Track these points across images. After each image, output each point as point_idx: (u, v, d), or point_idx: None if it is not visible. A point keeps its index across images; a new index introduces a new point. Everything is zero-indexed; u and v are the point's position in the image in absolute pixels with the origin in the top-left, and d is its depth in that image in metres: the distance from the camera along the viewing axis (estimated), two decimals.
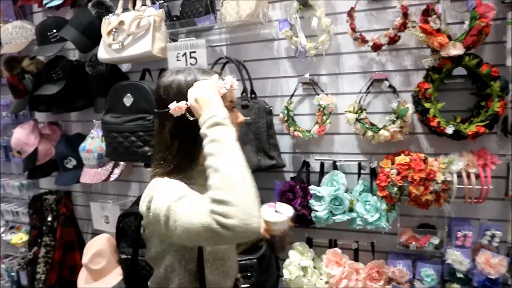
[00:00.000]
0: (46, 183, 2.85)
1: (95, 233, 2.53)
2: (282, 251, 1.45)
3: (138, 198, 2.10)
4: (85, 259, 2.28)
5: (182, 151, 1.05)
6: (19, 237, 2.84)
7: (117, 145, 1.96)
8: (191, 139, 1.03)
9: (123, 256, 2.09)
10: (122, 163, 2.33)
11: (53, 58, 2.35)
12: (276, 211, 1.19)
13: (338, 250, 1.88)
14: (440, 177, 1.63)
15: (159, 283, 1.11)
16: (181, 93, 1.03)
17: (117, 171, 2.34)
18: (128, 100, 1.95)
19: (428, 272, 1.71)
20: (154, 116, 1.12)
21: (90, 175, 2.29)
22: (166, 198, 0.94)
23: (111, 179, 2.32)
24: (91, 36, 2.18)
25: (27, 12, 2.71)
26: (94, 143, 2.28)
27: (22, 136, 2.50)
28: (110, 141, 2.03)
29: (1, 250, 3.08)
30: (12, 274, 2.93)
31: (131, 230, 2.07)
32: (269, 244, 1.48)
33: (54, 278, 2.50)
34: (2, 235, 2.96)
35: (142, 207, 1.00)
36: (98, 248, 2.28)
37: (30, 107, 2.54)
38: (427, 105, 1.66)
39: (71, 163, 2.42)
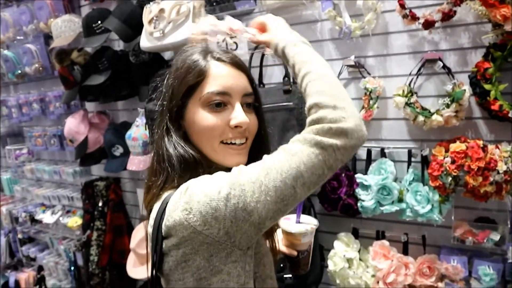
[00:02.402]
0: (97, 170, 2.97)
1: (143, 218, 2.60)
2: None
3: None
4: (132, 244, 2.36)
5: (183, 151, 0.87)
6: (75, 221, 3.00)
7: None
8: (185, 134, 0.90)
9: None
10: None
11: (99, 48, 2.41)
12: (299, 222, 1.07)
13: (386, 242, 1.78)
14: (502, 167, 1.47)
15: None
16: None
17: None
18: None
19: (487, 270, 1.57)
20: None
21: (136, 163, 2.35)
22: (221, 183, 0.74)
23: None
24: (133, 25, 2.20)
25: (75, 6, 2.80)
26: (139, 131, 2.33)
27: (73, 125, 2.61)
28: (153, 129, 2.06)
29: (60, 232, 3.29)
30: (69, 254, 3.11)
31: None
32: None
33: (105, 260, 2.61)
34: (60, 218, 3.14)
35: (174, 217, 0.75)
36: (145, 230, 2.34)
37: (80, 97, 2.64)
38: (487, 86, 1.50)
39: (118, 150, 2.50)
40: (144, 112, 2.20)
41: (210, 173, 0.80)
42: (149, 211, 0.89)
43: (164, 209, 0.78)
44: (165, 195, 0.83)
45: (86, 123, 2.64)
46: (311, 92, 0.81)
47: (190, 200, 0.73)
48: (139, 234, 2.36)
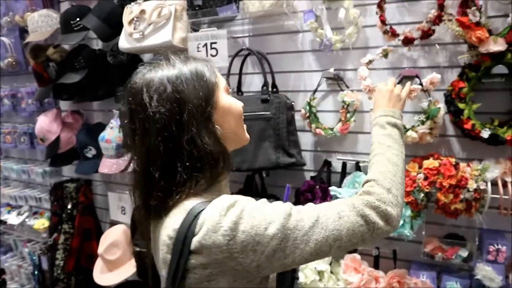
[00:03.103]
0: (68, 171, 2.88)
1: (113, 223, 2.53)
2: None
3: None
4: (101, 249, 2.28)
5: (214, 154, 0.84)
6: (41, 223, 2.89)
7: None
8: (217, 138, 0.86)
9: (137, 249, 2.09)
10: None
11: (76, 46, 2.34)
12: None
13: (357, 256, 1.77)
14: (472, 185, 1.49)
15: None
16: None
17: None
18: None
19: (454, 286, 1.59)
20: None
21: (108, 165, 2.29)
22: (269, 219, 0.76)
23: (129, 170, 2.30)
24: (113, 25, 2.15)
25: (54, 1, 2.72)
26: (113, 133, 2.27)
27: (45, 124, 2.53)
28: (126, 132, 2.01)
29: (25, 234, 3.16)
30: (34, 258, 2.99)
31: None
32: None
33: (72, 265, 2.52)
34: (26, 219, 3.03)
35: (213, 239, 0.74)
36: (114, 238, 2.28)
37: (54, 95, 2.56)
38: (461, 105, 1.53)
39: (91, 152, 2.43)
40: (119, 114, 2.15)
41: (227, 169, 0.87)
42: (157, 215, 0.85)
43: (192, 221, 0.77)
44: (188, 204, 0.81)
45: (59, 122, 2.56)
46: (374, 169, 0.93)
47: (235, 228, 0.74)
48: (108, 239, 2.29)
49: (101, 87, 2.40)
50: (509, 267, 1.56)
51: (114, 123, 2.30)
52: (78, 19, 2.27)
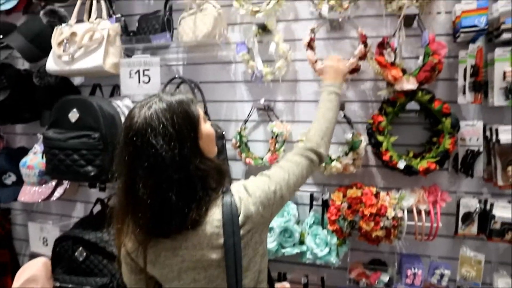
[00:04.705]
0: None
1: (33, 255, 2.33)
2: None
3: (81, 221, 2.06)
4: (16, 284, 2.08)
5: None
6: None
7: (58, 162, 1.83)
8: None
9: (57, 284, 1.94)
10: (66, 181, 2.19)
11: None
12: None
13: (287, 284, 1.79)
14: (391, 213, 1.59)
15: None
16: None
17: (60, 190, 2.18)
18: (73, 116, 1.83)
19: None
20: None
21: (29, 193, 2.13)
22: (266, 182, 1.09)
23: (53, 198, 2.16)
24: (41, 46, 2.05)
25: None
26: (36, 158, 2.13)
27: None
28: (51, 158, 1.90)
29: None
30: None
31: (68, 255, 1.92)
32: None
33: None
34: None
35: (250, 209, 1.02)
36: (32, 273, 2.09)
37: None
38: (380, 138, 1.64)
39: (10, 178, 2.25)
40: (43, 138, 2.03)
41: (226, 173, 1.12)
42: (194, 223, 1.00)
43: (230, 207, 1.01)
44: (219, 200, 1.03)
45: None
46: (315, 123, 1.32)
47: (254, 197, 1.04)
48: (25, 274, 2.09)
49: (26, 109, 2.25)
50: None
51: (38, 148, 2.16)
52: (1, 36, 2.14)
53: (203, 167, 1.00)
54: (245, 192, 1.05)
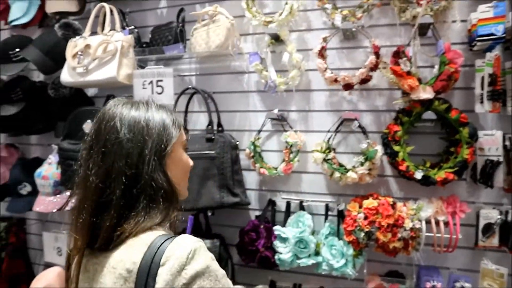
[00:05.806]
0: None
1: (48, 265, 2.34)
2: None
3: None
4: None
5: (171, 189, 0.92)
6: None
7: (72, 173, 1.84)
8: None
9: None
10: None
11: (14, 78, 2.24)
12: None
13: None
14: (408, 224, 1.56)
15: None
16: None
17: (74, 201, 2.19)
18: (87, 127, 1.85)
19: None
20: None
21: (44, 204, 2.14)
22: None
23: (67, 208, 2.17)
24: (56, 58, 2.08)
25: None
26: (51, 169, 2.14)
27: None
28: (65, 169, 1.92)
29: None
30: None
31: None
32: None
33: None
34: None
35: (180, 280, 0.79)
36: (46, 283, 2.08)
37: None
38: (396, 148, 1.61)
39: (25, 189, 2.27)
40: (58, 149, 2.05)
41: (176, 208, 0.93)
42: (103, 248, 0.87)
43: (155, 254, 0.81)
44: (146, 237, 0.84)
45: None
46: None
47: (195, 279, 0.79)
48: (39, 284, 2.07)
49: (41, 120, 2.28)
50: None
51: (53, 158, 2.18)
52: (18, 49, 2.18)
53: (159, 181, 0.88)
54: (190, 255, 0.80)
